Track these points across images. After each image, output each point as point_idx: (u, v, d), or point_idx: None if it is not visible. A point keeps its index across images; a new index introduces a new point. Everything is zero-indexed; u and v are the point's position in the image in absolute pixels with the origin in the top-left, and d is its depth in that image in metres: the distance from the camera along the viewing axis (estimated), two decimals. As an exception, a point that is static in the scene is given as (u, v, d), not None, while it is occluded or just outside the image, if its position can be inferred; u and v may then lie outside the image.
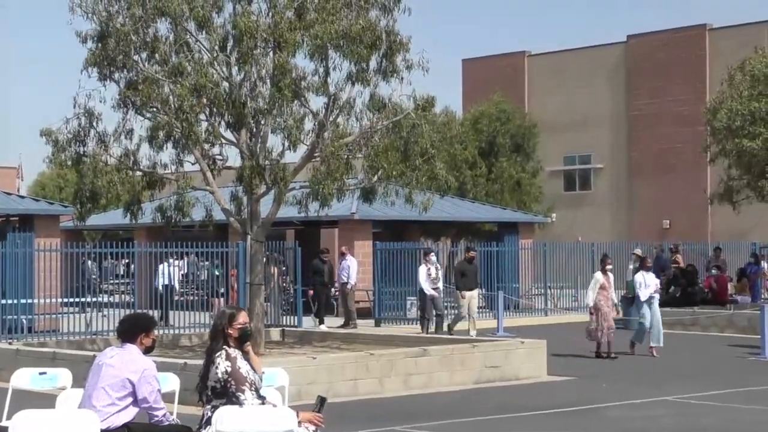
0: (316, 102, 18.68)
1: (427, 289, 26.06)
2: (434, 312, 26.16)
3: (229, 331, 8.35)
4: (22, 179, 57.57)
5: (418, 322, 27.21)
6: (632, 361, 21.31)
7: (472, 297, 26.44)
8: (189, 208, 19.60)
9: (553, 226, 48.50)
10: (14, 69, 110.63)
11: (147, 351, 8.61)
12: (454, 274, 27.51)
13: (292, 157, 19.38)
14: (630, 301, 30.01)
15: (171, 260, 29.14)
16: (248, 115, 18.02)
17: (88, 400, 8.36)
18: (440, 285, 26.65)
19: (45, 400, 9.71)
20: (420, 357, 17.43)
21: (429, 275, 26.10)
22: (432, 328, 26.11)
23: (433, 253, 27.36)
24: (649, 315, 22.22)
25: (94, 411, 8.19)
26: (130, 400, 8.34)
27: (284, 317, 28.28)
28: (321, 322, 28.01)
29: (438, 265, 27.27)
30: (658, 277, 32.96)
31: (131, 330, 8.61)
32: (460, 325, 26.44)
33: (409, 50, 18.36)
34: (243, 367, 8.23)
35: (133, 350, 8.49)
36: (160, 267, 29.08)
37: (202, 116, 18.46)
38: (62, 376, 10.12)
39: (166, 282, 28.82)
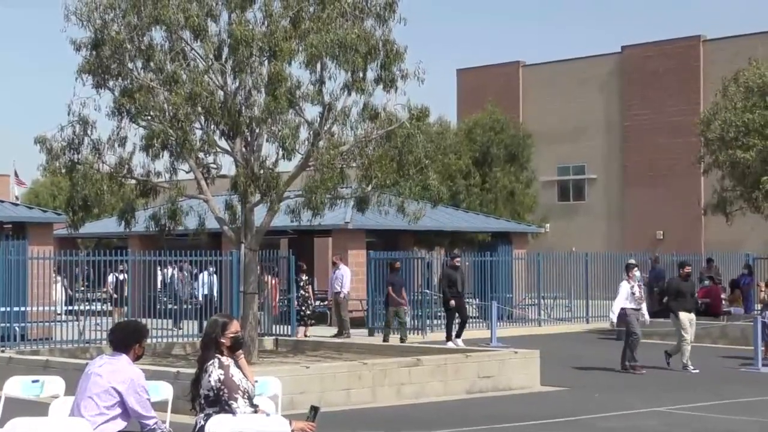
0: (311, 111, 18.72)
1: (616, 313, 21.19)
2: (632, 336, 21.08)
3: (222, 340, 8.30)
4: (21, 184, 57.30)
5: (629, 355, 21.29)
6: (623, 372, 21.27)
7: (691, 320, 21.96)
8: (182, 216, 19.60)
9: (546, 237, 48.55)
10: (8, 75, 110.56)
11: (136, 359, 8.56)
12: (667, 292, 22.95)
13: (287, 166, 19.40)
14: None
15: (210, 269, 28.78)
16: (243, 124, 18.01)
17: (77, 410, 8.30)
18: (644, 306, 21.71)
19: (37, 408, 9.67)
20: (413, 367, 17.41)
21: (632, 294, 21.26)
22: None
23: (637, 267, 22.40)
24: None
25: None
26: (119, 410, 8.25)
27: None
28: (449, 337, 25.56)
29: (642, 282, 22.48)
30: (652, 288, 33.08)
31: (127, 339, 8.50)
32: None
33: (404, 60, 18.41)
34: (236, 375, 8.21)
35: (122, 360, 8.39)
36: (200, 276, 28.84)
37: (197, 125, 18.48)
38: (55, 384, 10.07)
39: (206, 292, 28.57)
